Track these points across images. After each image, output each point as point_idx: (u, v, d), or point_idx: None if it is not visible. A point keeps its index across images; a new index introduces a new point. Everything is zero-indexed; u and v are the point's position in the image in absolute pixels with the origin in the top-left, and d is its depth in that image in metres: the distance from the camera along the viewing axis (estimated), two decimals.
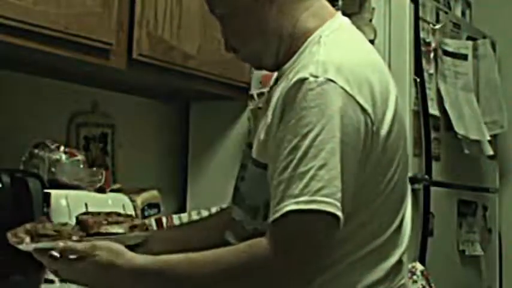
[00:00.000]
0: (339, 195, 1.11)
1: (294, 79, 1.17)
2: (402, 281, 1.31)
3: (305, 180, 1.11)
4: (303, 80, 1.15)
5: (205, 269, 1.15)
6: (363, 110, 1.16)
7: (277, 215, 1.12)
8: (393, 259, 1.27)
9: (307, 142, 1.12)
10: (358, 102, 1.16)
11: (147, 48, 2.13)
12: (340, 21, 1.31)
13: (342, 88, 1.15)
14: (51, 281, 1.64)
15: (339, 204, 1.11)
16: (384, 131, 1.20)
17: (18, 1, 1.75)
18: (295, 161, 1.12)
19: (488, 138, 2.75)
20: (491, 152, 2.76)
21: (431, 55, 2.50)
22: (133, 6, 2.09)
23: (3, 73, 2.15)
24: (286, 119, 1.16)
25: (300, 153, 1.12)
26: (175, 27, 2.24)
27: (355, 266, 1.23)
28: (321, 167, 1.11)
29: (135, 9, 2.09)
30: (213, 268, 1.15)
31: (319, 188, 1.10)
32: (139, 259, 1.19)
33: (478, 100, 2.79)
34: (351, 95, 1.15)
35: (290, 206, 1.11)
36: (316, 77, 1.15)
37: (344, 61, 1.18)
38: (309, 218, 1.11)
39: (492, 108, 2.88)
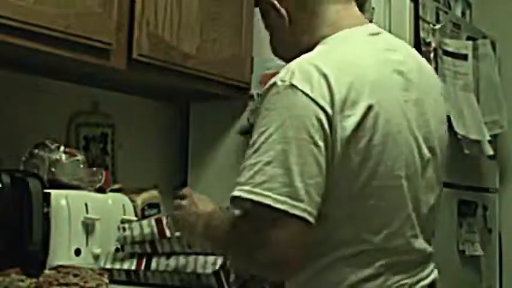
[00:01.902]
0: (283, 190, 1.20)
1: (267, 85, 1.30)
2: (405, 281, 1.33)
3: (251, 172, 1.23)
4: (272, 85, 1.29)
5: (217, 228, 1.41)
6: (324, 111, 1.25)
7: (232, 195, 1.26)
8: (389, 260, 1.31)
9: (261, 139, 1.24)
10: (319, 105, 1.25)
11: (147, 48, 2.13)
12: (346, 32, 1.42)
13: (302, 91, 1.25)
14: None
15: (281, 198, 1.20)
16: (345, 134, 1.26)
17: (18, 1, 1.75)
18: (248, 154, 1.26)
19: (488, 138, 2.74)
20: (491, 152, 2.75)
21: (431, 55, 2.49)
22: (133, 6, 2.09)
23: (3, 73, 2.15)
24: (255, 118, 1.31)
25: (253, 149, 1.25)
26: (175, 27, 2.24)
27: (340, 264, 1.29)
28: (267, 163, 1.22)
29: (135, 9, 2.10)
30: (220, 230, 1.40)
31: (261, 182, 1.22)
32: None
33: (478, 100, 2.78)
34: (311, 98, 1.25)
35: (235, 191, 1.24)
36: (284, 81, 1.27)
37: (311, 67, 1.28)
38: (248, 206, 1.24)
39: (492, 108, 2.88)
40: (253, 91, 2.52)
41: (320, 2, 1.45)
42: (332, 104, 1.25)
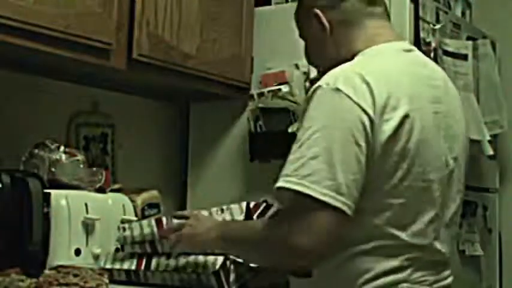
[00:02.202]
0: (327, 183, 1.30)
1: (313, 87, 1.41)
2: (427, 277, 1.43)
3: (296, 165, 1.33)
4: (317, 87, 1.39)
5: (248, 225, 1.55)
6: (366, 114, 1.35)
7: (274, 187, 1.35)
8: (414, 255, 1.41)
9: (306, 136, 1.34)
10: (362, 108, 1.35)
11: (147, 48, 2.13)
12: (383, 46, 1.54)
13: (347, 95, 1.35)
14: None
15: (324, 190, 1.30)
16: (384, 136, 1.36)
17: (18, 1, 1.75)
18: (293, 149, 1.35)
19: (488, 138, 2.74)
20: (491, 152, 2.75)
21: (431, 55, 2.49)
22: (133, 6, 2.09)
23: (3, 73, 2.15)
24: (301, 118, 1.40)
25: (298, 144, 1.35)
26: (175, 27, 2.24)
27: (368, 254, 1.39)
28: (312, 158, 1.32)
29: (135, 9, 2.10)
30: (250, 232, 1.49)
31: (307, 174, 1.31)
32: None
33: (478, 100, 2.78)
34: (355, 101, 1.35)
35: (281, 183, 1.33)
36: (328, 84, 1.38)
37: (355, 75, 1.39)
38: (291, 196, 1.32)
39: (492, 108, 2.88)
40: (253, 91, 2.52)
41: (361, 17, 1.56)
42: (373, 108, 1.36)
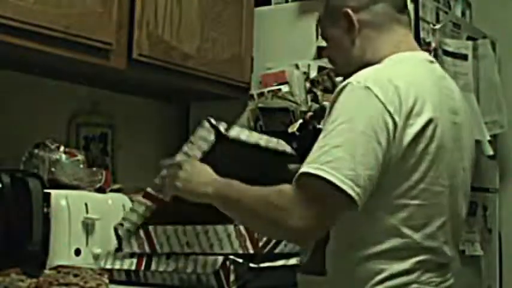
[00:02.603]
0: (347, 172, 1.33)
1: (342, 84, 1.44)
2: (433, 279, 1.47)
3: (319, 153, 1.35)
4: (347, 84, 1.43)
5: (249, 193, 1.45)
6: (391, 117, 1.39)
7: (298, 173, 1.36)
8: (424, 258, 1.45)
9: (332, 127, 1.38)
10: (388, 110, 1.39)
11: (147, 48, 2.13)
12: (409, 54, 1.59)
13: (376, 95, 1.39)
14: None
15: (343, 177, 1.32)
16: (406, 139, 1.41)
17: (18, 1, 1.75)
18: (320, 138, 1.38)
19: (488, 138, 2.74)
20: (491, 152, 2.75)
21: (432, 55, 2.49)
22: (133, 6, 2.10)
23: (3, 73, 2.15)
24: (328, 111, 1.43)
25: (324, 133, 1.38)
26: (175, 27, 2.24)
27: (381, 256, 1.43)
28: (335, 147, 1.35)
29: (135, 9, 2.10)
30: (254, 196, 1.44)
31: (328, 161, 1.33)
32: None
33: (478, 100, 2.78)
34: (382, 102, 1.39)
35: (303, 168, 1.35)
36: (359, 82, 1.41)
37: (384, 77, 1.44)
38: (314, 181, 1.33)
39: (492, 108, 2.88)
40: (253, 91, 2.52)
41: (390, 22, 1.59)
42: (400, 112, 1.40)
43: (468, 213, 2.82)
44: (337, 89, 1.44)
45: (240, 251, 1.79)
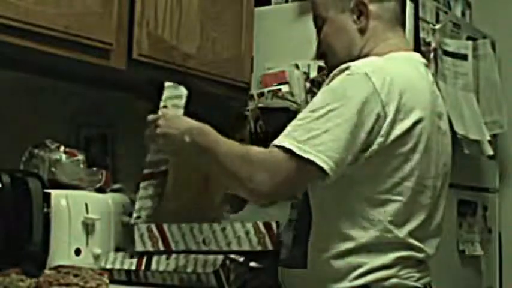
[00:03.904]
0: (330, 154, 1.38)
1: (342, 66, 1.47)
2: (413, 274, 1.51)
3: (310, 135, 1.39)
4: (347, 67, 1.46)
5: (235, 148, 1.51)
6: (383, 107, 1.42)
7: (280, 143, 1.42)
8: (405, 254, 1.49)
9: (324, 110, 1.41)
10: (381, 100, 1.42)
11: (147, 48, 2.13)
12: (408, 54, 1.62)
13: (373, 84, 1.42)
14: None
15: (327, 160, 1.38)
16: (395, 134, 1.44)
17: (18, 1, 1.75)
18: (309, 119, 1.42)
19: (488, 138, 2.74)
20: (491, 152, 2.75)
21: (431, 55, 2.49)
22: (133, 6, 2.10)
23: (3, 73, 2.15)
24: (322, 89, 1.46)
25: (315, 115, 1.41)
26: (175, 27, 2.24)
27: (362, 250, 1.46)
28: (324, 132, 1.39)
29: (135, 9, 2.10)
30: (239, 149, 1.50)
31: (317, 144, 1.39)
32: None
33: (478, 100, 2.78)
34: (377, 92, 1.42)
35: (291, 146, 1.40)
36: (359, 68, 1.45)
37: (383, 69, 1.47)
38: (300, 163, 1.40)
39: (492, 108, 2.88)
40: (253, 91, 2.52)
41: (396, 21, 1.64)
42: (392, 104, 1.43)
43: (468, 213, 2.84)
44: (336, 70, 1.47)
45: (259, 248, 1.79)
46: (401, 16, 1.68)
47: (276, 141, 1.43)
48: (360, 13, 1.60)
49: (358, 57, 1.54)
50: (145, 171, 1.88)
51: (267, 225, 1.78)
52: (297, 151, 1.39)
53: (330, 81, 1.47)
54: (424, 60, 1.68)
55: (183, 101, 1.82)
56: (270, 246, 1.78)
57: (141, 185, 1.93)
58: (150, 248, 1.88)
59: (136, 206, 1.93)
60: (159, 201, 1.92)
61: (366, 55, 1.56)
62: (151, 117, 1.74)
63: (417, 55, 1.68)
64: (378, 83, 1.43)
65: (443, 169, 1.62)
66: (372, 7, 1.60)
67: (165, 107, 1.83)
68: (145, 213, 1.92)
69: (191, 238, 1.85)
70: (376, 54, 1.57)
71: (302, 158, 1.39)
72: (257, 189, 1.42)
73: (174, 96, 1.83)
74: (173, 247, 1.86)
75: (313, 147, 1.39)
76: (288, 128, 1.45)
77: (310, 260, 1.53)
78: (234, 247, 1.80)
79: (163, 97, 1.85)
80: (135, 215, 1.92)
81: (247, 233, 1.80)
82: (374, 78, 1.43)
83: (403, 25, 1.70)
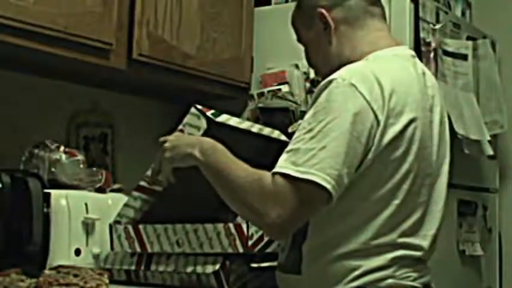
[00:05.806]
0: (329, 171, 1.36)
1: (327, 79, 1.43)
2: (410, 274, 1.49)
3: (307, 156, 1.36)
4: (332, 80, 1.42)
5: (235, 173, 1.46)
6: (375, 114, 1.40)
7: (280, 170, 1.38)
8: (401, 254, 1.47)
9: (319, 127, 1.38)
10: (372, 108, 1.40)
11: (147, 48, 2.13)
12: (391, 51, 1.57)
13: (361, 94, 1.39)
14: None
15: (328, 178, 1.35)
16: (387, 138, 1.42)
17: (18, 1, 1.75)
18: (306, 139, 1.38)
19: (488, 138, 2.74)
20: (491, 152, 2.75)
21: (431, 55, 2.49)
22: (133, 6, 2.10)
23: (3, 73, 2.15)
24: (311, 108, 1.43)
25: (310, 134, 1.38)
26: (175, 27, 2.24)
27: (357, 253, 1.45)
28: (321, 149, 1.36)
29: (135, 9, 2.10)
30: (239, 176, 1.45)
31: (315, 163, 1.35)
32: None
33: (478, 100, 2.78)
34: (367, 101, 1.39)
35: (290, 171, 1.36)
36: (344, 79, 1.41)
37: (368, 76, 1.42)
38: (301, 185, 1.36)
39: (492, 108, 2.87)
40: (253, 91, 2.52)
41: (364, 16, 1.58)
42: (382, 110, 1.41)
43: (468, 213, 2.84)
44: (321, 85, 1.44)
45: (230, 250, 1.75)
46: (374, 5, 1.61)
47: (276, 168, 1.40)
48: (325, 25, 1.58)
49: (343, 65, 1.50)
50: (141, 183, 1.85)
51: (238, 227, 1.72)
52: (294, 174, 1.36)
53: (316, 96, 1.44)
54: (411, 52, 1.63)
55: (199, 133, 1.77)
56: (240, 249, 1.73)
57: (132, 193, 1.90)
58: (127, 249, 1.88)
59: (120, 210, 1.92)
60: (141, 218, 1.89)
61: (349, 61, 1.52)
62: (163, 138, 1.71)
63: (402, 48, 1.62)
64: (365, 90, 1.40)
65: (440, 161, 1.59)
66: (334, 14, 1.57)
67: (181, 130, 1.79)
68: (125, 221, 1.90)
69: (165, 239, 1.83)
70: (359, 57, 1.54)
71: (302, 180, 1.36)
72: (275, 223, 1.38)
73: (193, 125, 1.79)
74: (149, 248, 1.85)
75: (312, 167, 1.36)
76: (285, 153, 1.41)
77: (305, 265, 1.51)
78: (207, 249, 1.76)
79: (184, 121, 1.80)
80: (116, 218, 1.91)
81: (218, 234, 1.75)
82: (361, 86, 1.40)
83: (383, 14, 1.63)
